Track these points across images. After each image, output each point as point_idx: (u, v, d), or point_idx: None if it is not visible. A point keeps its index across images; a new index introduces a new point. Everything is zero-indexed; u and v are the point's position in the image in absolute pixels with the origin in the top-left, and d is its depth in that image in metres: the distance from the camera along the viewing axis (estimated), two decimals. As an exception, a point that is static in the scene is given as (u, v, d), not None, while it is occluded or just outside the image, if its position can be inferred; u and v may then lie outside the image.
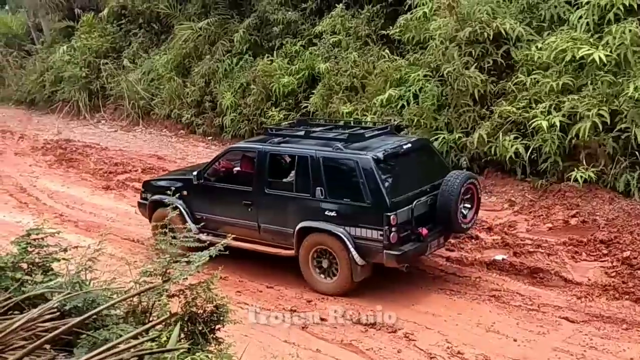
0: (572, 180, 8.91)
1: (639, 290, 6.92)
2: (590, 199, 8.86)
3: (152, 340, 3.22)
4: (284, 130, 8.67)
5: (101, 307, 3.36)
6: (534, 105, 9.43)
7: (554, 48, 9.28)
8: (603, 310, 6.70)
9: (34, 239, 4.12)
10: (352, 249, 7.06)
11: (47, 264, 4.06)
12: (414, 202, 7.06)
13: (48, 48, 21.73)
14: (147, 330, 3.27)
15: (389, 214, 6.81)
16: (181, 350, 3.28)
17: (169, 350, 3.15)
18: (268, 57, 14.18)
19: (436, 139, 10.32)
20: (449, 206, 7.18)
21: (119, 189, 12.26)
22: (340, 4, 13.12)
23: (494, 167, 10.20)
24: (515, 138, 9.53)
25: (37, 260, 4.05)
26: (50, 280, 3.88)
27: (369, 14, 12.78)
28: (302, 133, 8.15)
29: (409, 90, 11.12)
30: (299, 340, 6.46)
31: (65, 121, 19.27)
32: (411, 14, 11.52)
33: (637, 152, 8.60)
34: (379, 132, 8.04)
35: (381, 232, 6.86)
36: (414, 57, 11.56)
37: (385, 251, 6.91)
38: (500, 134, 9.63)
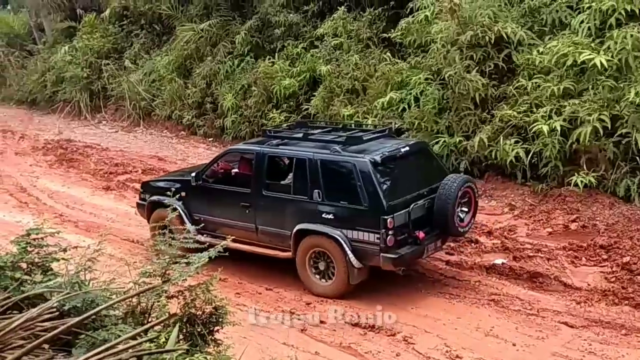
0: (572, 184, 8.91)
1: (639, 295, 6.91)
2: (590, 203, 8.86)
3: (151, 341, 3.22)
4: (283, 133, 8.68)
5: (100, 308, 3.36)
6: (534, 110, 9.43)
7: (555, 52, 9.29)
8: (602, 316, 6.69)
9: (34, 239, 4.12)
10: (349, 252, 7.07)
11: (47, 264, 4.06)
12: (411, 206, 7.07)
13: (50, 48, 21.74)
14: (146, 331, 3.27)
15: (385, 217, 6.82)
16: (180, 352, 3.28)
17: (167, 351, 3.16)
18: (269, 59, 14.20)
19: (437, 143, 10.33)
20: (446, 210, 7.18)
21: (119, 190, 12.26)
22: (342, 7, 13.15)
23: (494, 171, 10.19)
24: (516, 142, 9.54)
25: (36, 260, 4.05)
26: (50, 280, 3.88)
27: (370, 17, 12.79)
28: (300, 135, 8.17)
29: (410, 94, 11.12)
30: (298, 342, 6.45)
31: (66, 121, 19.28)
32: (413, 17, 11.53)
33: (637, 157, 8.59)
34: (377, 135, 8.05)
35: (378, 235, 6.87)
36: (415, 60, 11.57)
37: (382, 254, 6.91)
38: (501, 138, 9.63)
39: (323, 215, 7.27)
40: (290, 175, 7.84)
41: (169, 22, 17.93)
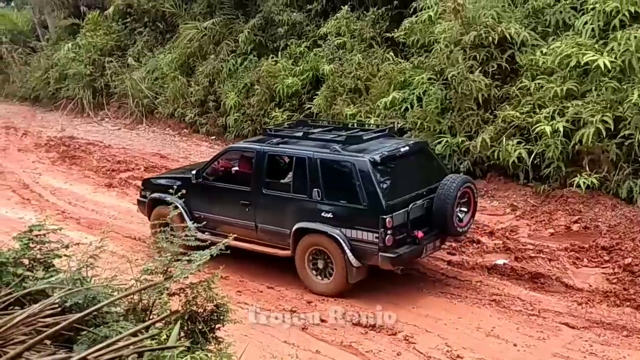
0: (574, 186, 8.90)
1: (640, 297, 6.91)
2: (592, 205, 8.86)
3: (152, 337, 3.22)
4: (283, 131, 8.69)
5: (102, 304, 3.36)
6: (537, 110, 9.42)
7: (558, 53, 9.28)
8: (604, 317, 6.68)
9: (36, 235, 4.13)
10: (347, 251, 7.07)
11: (49, 260, 4.07)
12: (410, 205, 7.07)
13: (53, 45, 21.79)
14: (147, 328, 3.28)
15: (384, 216, 6.82)
16: (181, 349, 3.28)
17: (168, 348, 3.16)
18: (272, 57, 14.21)
19: (439, 143, 10.34)
20: (445, 209, 7.18)
21: (122, 187, 12.27)
22: (346, 6, 13.14)
23: (496, 171, 10.19)
24: (519, 143, 9.53)
25: (38, 256, 4.06)
26: (52, 276, 3.88)
27: (374, 17, 12.80)
28: (300, 134, 8.17)
29: (413, 93, 11.13)
30: (299, 341, 6.45)
31: (69, 118, 19.31)
32: (416, 17, 11.52)
33: (640, 159, 8.61)
34: (377, 134, 8.05)
35: (377, 235, 6.88)
36: (419, 60, 11.57)
37: (380, 253, 6.91)
38: (504, 138, 9.63)
39: (322, 214, 7.28)
40: (290, 174, 7.85)
41: (172, 20, 17.97)
